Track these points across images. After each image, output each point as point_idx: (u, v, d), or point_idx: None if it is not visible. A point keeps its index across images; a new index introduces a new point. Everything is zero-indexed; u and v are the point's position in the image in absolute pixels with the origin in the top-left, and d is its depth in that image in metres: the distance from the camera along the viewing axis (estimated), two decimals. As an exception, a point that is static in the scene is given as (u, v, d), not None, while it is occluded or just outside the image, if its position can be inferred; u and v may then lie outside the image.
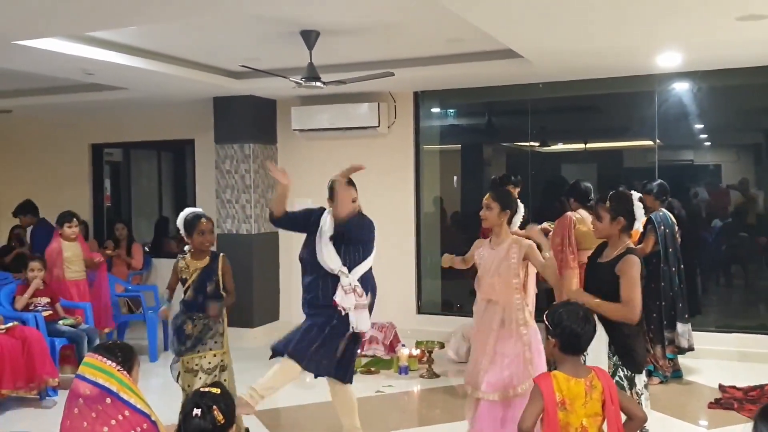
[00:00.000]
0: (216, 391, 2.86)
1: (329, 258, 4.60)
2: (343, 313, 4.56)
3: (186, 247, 5.09)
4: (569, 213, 6.25)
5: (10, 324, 6.13)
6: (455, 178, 9.25)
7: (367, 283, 4.72)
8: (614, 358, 3.79)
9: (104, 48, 6.16)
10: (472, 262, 4.75)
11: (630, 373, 3.79)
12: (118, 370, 3.10)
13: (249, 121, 8.45)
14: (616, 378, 3.80)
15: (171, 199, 10.90)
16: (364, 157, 8.36)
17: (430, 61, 6.94)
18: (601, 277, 3.90)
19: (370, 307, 4.78)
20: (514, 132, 8.94)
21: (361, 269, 4.66)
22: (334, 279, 4.60)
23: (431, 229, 8.73)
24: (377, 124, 8.09)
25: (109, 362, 3.10)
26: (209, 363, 4.91)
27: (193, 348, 4.90)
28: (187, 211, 5.13)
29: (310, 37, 5.79)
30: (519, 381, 4.31)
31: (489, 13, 4.91)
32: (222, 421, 2.76)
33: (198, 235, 4.96)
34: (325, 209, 4.82)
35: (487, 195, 4.60)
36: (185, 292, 4.95)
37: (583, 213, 6.23)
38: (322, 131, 8.34)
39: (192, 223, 4.98)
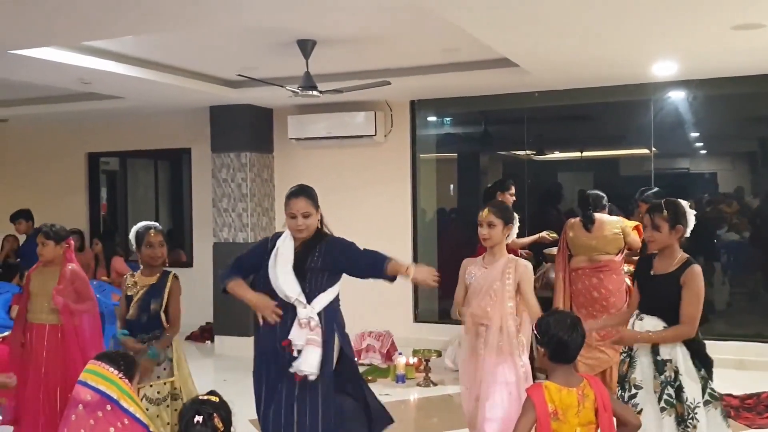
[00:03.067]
0: (215, 399, 2.89)
1: (285, 284, 3.81)
2: (295, 352, 3.74)
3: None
4: (571, 219, 6.28)
5: (6, 333, 6.10)
6: (451, 186, 9.26)
7: (333, 316, 3.94)
8: (702, 371, 3.77)
9: (101, 57, 6.16)
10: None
11: (711, 381, 3.79)
12: (120, 378, 3.10)
13: (245, 130, 8.46)
14: (708, 391, 3.74)
15: (167, 208, 10.89)
16: (361, 166, 8.42)
17: (426, 70, 6.95)
18: (661, 290, 3.82)
19: (330, 345, 3.87)
20: (511, 141, 8.98)
21: (323, 300, 3.86)
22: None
23: (428, 237, 8.74)
24: (374, 133, 8.10)
25: (112, 370, 3.11)
26: (157, 393, 4.35)
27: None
28: (140, 224, 4.71)
29: (306, 47, 5.80)
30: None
31: (485, 23, 4.93)
32: (221, 429, 2.78)
33: (145, 248, 4.51)
34: (280, 234, 4.04)
35: (486, 211, 4.17)
36: (129, 311, 4.52)
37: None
38: (318, 140, 8.34)
39: (141, 235, 4.55)
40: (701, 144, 8.28)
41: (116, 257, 9.15)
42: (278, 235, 4.07)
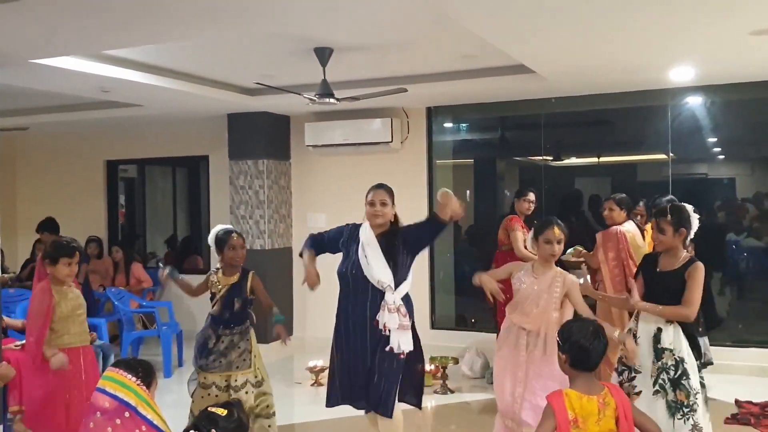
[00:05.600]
0: (222, 411, 2.88)
1: (380, 271, 4.39)
2: (386, 332, 4.35)
3: (217, 264, 5.08)
4: (616, 227, 6.12)
5: (23, 341, 6.14)
6: (468, 192, 9.25)
7: (409, 304, 4.55)
8: (697, 362, 4.08)
9: (120, 66, 6.23)
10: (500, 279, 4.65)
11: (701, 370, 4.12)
12: (138, 385, 3.12)
13: (263, 137, 8.50)
14: (698, 379, 4.05)
15: (185, 215, 10.96)
16: (377, 172, 8.38)
17: (443, 76, 6.96)
18: (667, 286, 4.12)
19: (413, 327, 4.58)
20: (528, 146, 8.96)
21: (404, 288, 4.47)
22: (382, 296, 4.39)
23: (444, 243, 8.73)
24: (390, 140, 8.12)
25: (130, 377, 3.12)
26: (235, 381, 4.85)
27: (216, 364, 4.84)
28: (219, 227, 5.12)
29: (323, 54, 5.83)
30: None
31: (502, 30, 4.93)
32: None
33: (229, 250, 4.92)
34: (358, 225, 4.64)
35: (557, 229, 4.39)
36: (213, 306, 4.95)
37: (630, 227, 6.15)
38: (335, 147, 8.37)
39: (223, 238, 4.96)
40: (719, 149, 8.23)
41: (135, 264, 9.22)
42: (354, 225, 4.65)
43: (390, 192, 4.59)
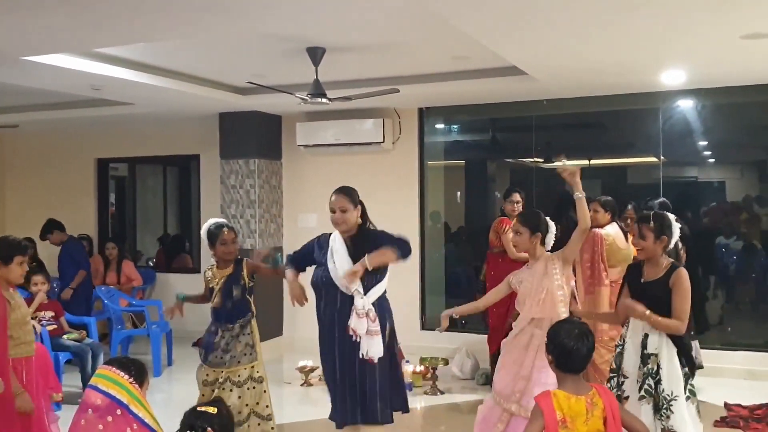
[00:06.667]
0: (212, 410, 2.89)
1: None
2: (355, 339, 4.20)
3: (211, 260, 5.03)
4: (596, 230, 6.10)
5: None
6: (458, 193, 9.26)
7: (383, 308, 4.39)
8: (686, 369, 4.05)
9: (112, 64, 6.20)
10: (493, 302, 4.81)
11: (692, 378, 4.09)
12: (131, 383, 3.12)
13: (254, 136, 8.49)
14: (688, 387, 4.05)
15: (176, 214, 10.93)
16: (369, 172, 8.43)
17: (435, 77, 6.97)
18: (653, 295, 4.08)
19: (392, 332, 4.46)
20: (519, 148, 9.00)
21: (376, 291, 4.30)
22: (351, 302, 4.23)
23: (435, 244, 8.74)
24: (382, 140, 8.12)
25: (123, 374, 3.12)
26: (239, 376, 4.79)
27: (220, 361, 4.81)
28: (211, 221, 5.03)
29: (316, 54, 5.83)
30: None
31: (494, 31, 4.94)
32: None
33: (220, 245, 4.87)
34: (328, 234, 4.50)
35: (515, 220, 4.63)
36: (213, 300, 4.89)
37: (611, 229, 6.16)
38: (327, 147, 8.36)
39: (215, 233, 4.89)
40: (709, 153, 8.28)
41: (126, 262, 9.18)
42: (325, 235, 4.52)
43: (350, 195, 4.42)
